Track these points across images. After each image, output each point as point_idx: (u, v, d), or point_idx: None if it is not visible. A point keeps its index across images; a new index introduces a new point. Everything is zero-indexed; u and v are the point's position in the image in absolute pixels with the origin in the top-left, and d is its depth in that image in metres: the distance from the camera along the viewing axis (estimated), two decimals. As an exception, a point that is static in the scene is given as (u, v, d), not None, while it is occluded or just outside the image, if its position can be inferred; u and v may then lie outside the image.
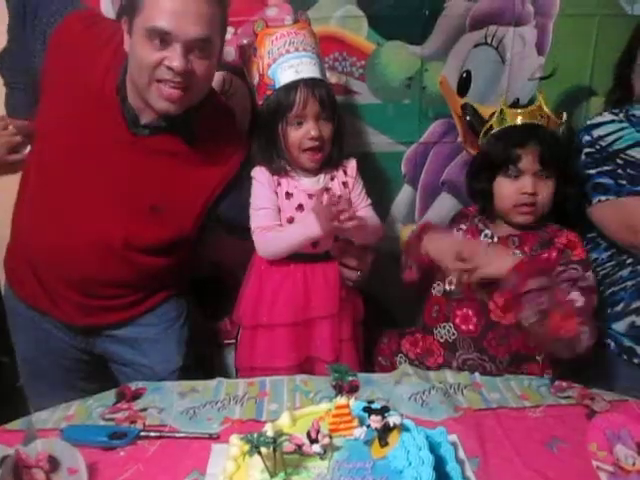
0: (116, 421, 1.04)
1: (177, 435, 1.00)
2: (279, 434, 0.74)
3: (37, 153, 1.26)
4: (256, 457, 0.74)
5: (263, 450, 0.71)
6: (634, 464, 0.80)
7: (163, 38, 1.06)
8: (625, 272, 1.34)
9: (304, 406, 1.05)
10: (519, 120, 1.28)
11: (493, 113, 1.32)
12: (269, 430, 0.77)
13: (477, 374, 1.20)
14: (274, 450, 0.72)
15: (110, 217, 1.20)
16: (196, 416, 1.07)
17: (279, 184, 1.30)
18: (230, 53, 1.40)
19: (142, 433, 0.99)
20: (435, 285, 1.33)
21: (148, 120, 1.18)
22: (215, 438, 0.99)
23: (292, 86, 1.21)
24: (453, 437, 0.94)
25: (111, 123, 1.17)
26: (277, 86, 1.23)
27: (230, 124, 1.32)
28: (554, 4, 1.48)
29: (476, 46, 1.51)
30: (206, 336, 1.58)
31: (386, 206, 1.60)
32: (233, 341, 1.47)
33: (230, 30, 1.38)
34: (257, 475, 0.73)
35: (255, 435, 0.72)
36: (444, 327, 1.30)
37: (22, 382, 1.43)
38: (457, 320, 1.28)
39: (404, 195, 1.59)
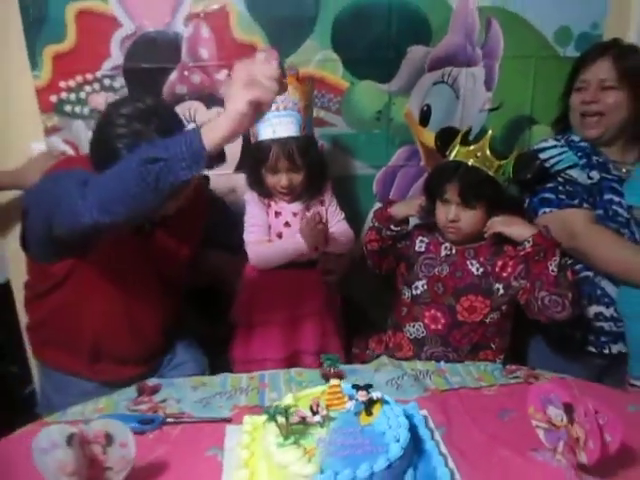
0: (140, 411, 1.16)
1: (195, 419, 1.14)
2: (288, 407, 0.94)
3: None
4: (272, 426, 0.93)
5: (278, 418, 0.91)
6: (562, 420, 0.98)
7: None
8: None
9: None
10: (452, 156, 1.43)
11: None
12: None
13: (442, 362, 1.37)
14: (286, 418, 0.91)
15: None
16: (209, 405, 1.20)
17: (269, 205, 1.50)
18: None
19: (167, 419, 1.13)
20: (405, 290, 1.50)
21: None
22: (228, 420, 1.14)
23: (268, 144, 1.39)
24: (423, 411, 1.11)
25: None
26: (259, 138, 1.40)
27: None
28: (499, 48, 1.70)
29: (435, 84, 1.71)
30: (207, 340, 1.70)
31: (360, 221, 1.78)
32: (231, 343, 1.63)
33: (224, 72, 1.59)
34: (273, 439, 0.92)
35: (272, 407, 0.92)
36: (413, 326, 1.47)
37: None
38: (426, 320, 1.45)
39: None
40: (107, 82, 1.56)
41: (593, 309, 1.51)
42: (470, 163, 1.37)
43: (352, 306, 1.75)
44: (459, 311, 1.42)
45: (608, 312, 1.50)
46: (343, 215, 1.58)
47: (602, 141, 1.52)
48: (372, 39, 1.63)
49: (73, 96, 1.56)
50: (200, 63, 1.58)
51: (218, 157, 1.05)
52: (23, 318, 1.62)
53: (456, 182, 1.38)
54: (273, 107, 1.36)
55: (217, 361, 1.72)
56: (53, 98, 1.56)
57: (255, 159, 1.44)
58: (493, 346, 1.46)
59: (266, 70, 0.97)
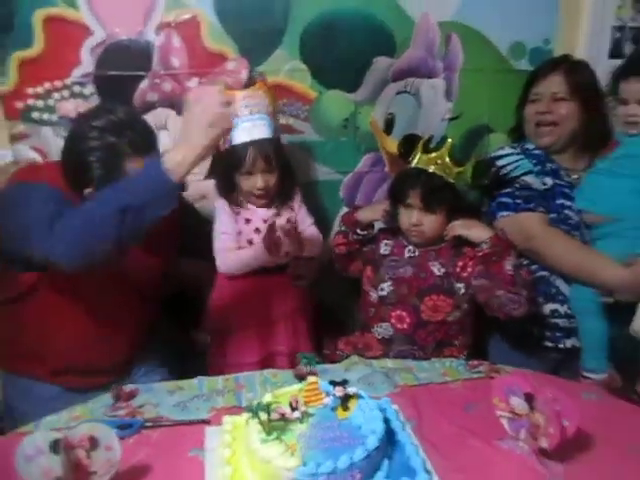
0: (118, 417, 1.16)
1: (174, 422, 1.15)
2: (269, 404, 0.98)
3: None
4: (254, 423, 0.97)
5: (260, 415, 0.95)
6: (524, 409, 1.04)
7: None
8: None
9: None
10: (414, 163, 1.48)
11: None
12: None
13: (410, 360, 1.44)
14: (268, 414, 0.96)
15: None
16: (187, 408, 1.21)
17: (239, 213, 1.53)
18: None
19: (146, 423, 1.14)
20: (372, 291, 1.55)
21: None
22: (207, 422, 1.15)
23: (244, 146, 1.42)
24: (395, 406, 1.15)
25: None
26: (232, 143, 1.43)
27: None
28: (458, 61, 1.80)
29: (398, 94, 1.79)
30: (181, 345, 1.72)
31: (328, 225, 1.85)
32: (205, 348, 1.65)
33: (195, 80, 1.61)
34: (256, 436, 0.95)
35: (254, 404, 0.96)
36: (381, 326, 1.52)
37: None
38: (392, 320, 1.51)
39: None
40: (77, 89, 1.56)
41: (549, 306, 1.60)
42: (431, 170, 1.44)
43: (322, 309, 1.79)
44: (423, 310, 1.49)
45: (562, 309, 1.60)
46: (312, 220, 1.63)
47: (554, 149, 1.62)
48: (339, 50, 1.69)
49: (41, 103, 1.56)
50: (171, 71, 1.61)
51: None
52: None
53: (418, 188, 1.44)
54: (246, 111, 1.42)
55: (193, 367, 1.74)
56: (19, 105, 1.55)
57: (229, 164, 1.47)
58: (457, 343, 1.53)
59: (217, 99, 1.04)
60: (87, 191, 1.20)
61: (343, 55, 1.70)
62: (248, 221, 1.53)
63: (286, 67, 1.67)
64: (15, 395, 1.44)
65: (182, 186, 1.10)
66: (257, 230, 1.53)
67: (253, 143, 1.43)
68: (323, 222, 1.82)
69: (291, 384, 1.25)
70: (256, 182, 1.47)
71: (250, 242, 1.53)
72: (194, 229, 1.63)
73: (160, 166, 1.04)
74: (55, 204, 1.15)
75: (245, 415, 1.01)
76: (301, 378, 1.26)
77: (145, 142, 1.22)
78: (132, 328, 1.49)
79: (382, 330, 1.53)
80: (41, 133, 1.58)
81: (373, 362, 1.43)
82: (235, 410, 1.19)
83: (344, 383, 1.05)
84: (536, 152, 1.62)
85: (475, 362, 1.41)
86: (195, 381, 1.35)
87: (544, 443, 1.02)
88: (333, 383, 1.05)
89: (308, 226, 1.61)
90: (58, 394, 1.40)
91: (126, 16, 1.55)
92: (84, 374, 1.42)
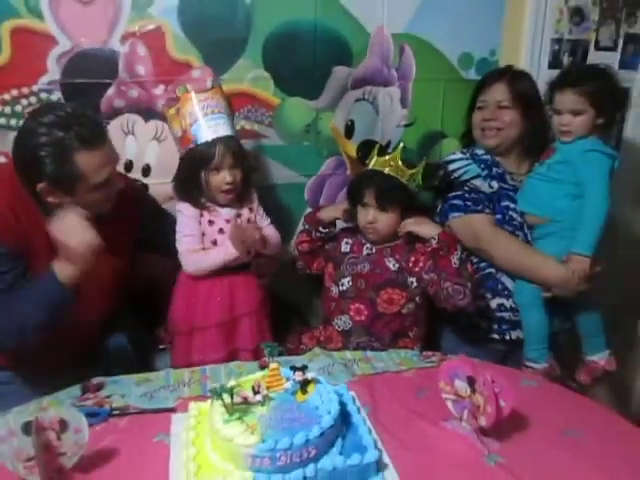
0: (86, 407, 1.20)
1: (141, 410, 1.22)
2: (233, 387, 1.05)
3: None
4: (217, 406, 1.04)
5: (224, 397, 1.02)
6: (466, 392, 1.13)
7: None
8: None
9: (239, 384, 1.33)
10: (371, 166, 1.57)
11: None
12: (224, 388, 1.08)
13: (368, 351, 1.52)
14: (231, 397, 1.03)
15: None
16: (154, 398, 1.27)
17: (202, 215, 1.57)
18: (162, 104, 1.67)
19: (113, 412, 1.20)
20: (332, 287, 1.64)
21: None
22: (173, 410, 1.22)
23: (211, 143, 1.48)
24: (352, 393, 1.23)
25: None
26: (199, 142, 1.48)
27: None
28: (412, 71, 1.90)
29: (357, 101, 1.88)
30: (146, 342, 1.76)
31: (294, 225, 1.91)
32: (168, 346, 1.69)
33: (161, 87, 1.68)
34: (219, 417, 1.02)
35: (217, 387, 1.03)
36: (340, 319, 1.61)
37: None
38: (351, 312, 1.59)
39: None
40: (44, 96, 1.60)
41: (496, 301, 1.71)
42: (385, 171, 1.53)
43: (281, 306, 1.86)
44: (379, 303, 1.58)
45: (508, 303, 1.70)
46: (269, 220, 1.69)
47: (499, 151, 1.72)
48: (300, 60, 1.77)
49: (8, 109, 1.59)
50: (137, 79, 1.66)
51: None
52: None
53: (373, 188, 1.53)
54: (208, 111, 1.49)
55: (156, 365, 1.74)
56: (-14, 111, 1.58)
57: (196, 163, 1.51)
58: (411, 335, 1.62)
59: (78, 224, 1.27)
60: (40, 186, 1.25)
61: (304, 64, 1.77)
62: (211, 222, 1.58)
63: (249, 75, 1.74)
64: None
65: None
66: (221, 230, 1.58)
67: (220, 139, 1.49)
68: (288, 223, 1.90)
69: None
70: (225, 177, 1.51)
71: (214, 242, 1.58)
72: (161, 227, 1.66)
73: (55, 279, 1.26)
74: None
75: (209, 398, 1.07)
76: (265, 369, 1.34)
77: (93, 135, 1.26)
78: (96, 325, 1.53)
79: (342, 322, 1.62)
80: (7, 138, 1.59)
81: (334, 354, 1.51)
82: (200, 399, 1.23)
83: (303, 368, 1.12)
84: (484, 157, 1.72)
85: (429, 353, 1.52)
86: (162, 373, 1.41)
87: (483, 422, 1.11)
88: (293, 368, 1.12)
89: (266, 225, 1.67)
90: (12, 377, 1.46)
91: (91, 26, 1.59)
92: (44, 369, 1.43)
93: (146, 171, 1.74)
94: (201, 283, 1.58)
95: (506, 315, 1.71)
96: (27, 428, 0.97)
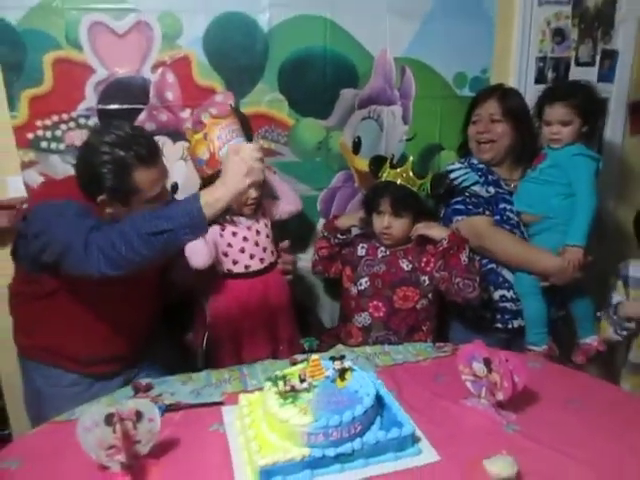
0: None
1: (192, 405, 1.33)
2: (284, 375, 1.19)
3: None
4: (270, 393, 1.18)
5: (279, 383, 1.17)
6: (483, 372, 1.29)
7: None
8: None
9: (274, 380, 1.45)
10: (384, 177, 1.72)
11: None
12: (276, 376, 1.22)
13: (386, 345, 1.67)
14: (284, 383, 1.17)
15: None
16: (200, 394, 1.39)
17: (224, 228, 1.68)
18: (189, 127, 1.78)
19: (169, 407, 1.31)
20: (352, 287, 1.79)
21: None
22: (221, 403, 1.35)
23: None
24: (378, 381, 1.36)
25: None
26: None
27: None
28: (412, 90, 2.05)
29: (363, 119, 2.02)
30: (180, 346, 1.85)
31: (308, 234, 2.05)
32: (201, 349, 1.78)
33: (187, 111, 1.82)
34: (274, 402, 1.16)
35: (273, 376, 1.18)
36: (360, 315, 1.76)
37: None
38: (370, 310, 1.74)
39: (320, 225, 2.04)
40: (82, 121, 1.72)
41: (498, 293, 1.87)
42: (398, 182, 1.69)
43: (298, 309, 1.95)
44: (395, 300, 1.73)
45: (509, 294, 1.87)
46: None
47: (494, 162, 1.89)
48: (312, 83, 1.91)
49: (49, 133, 1.71)
50: (166, 104, 1.79)
51: None
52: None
53: (388, 197, 1.69)
54: (233, 135, 1.62)
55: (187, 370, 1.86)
56: (30, 135, 1.70)
57: None
58: (424, 328, 1.78)
59: (254, 155, 1.24)
60: (100, 198, 1.36)
61: (315, 87, 1.92)
62: (235, 234, 1.70)
63: (266, 98, 1.88)
64: (40, 380, 1.58)
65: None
66: (245, 239, 1.70)
67: None
68: (303, 232, 2.04)
69: (288, 370, 1.48)
70: (252, 192, 1.63)
71: (242, 251, 1.69)
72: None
73: (197, 201, 1.22)
74: (88, 217, 1.32)
75: (266, 385, 1.21)
76: (295, 365, 1.48)
77: (149, 154, 1.37)
78: (139, 325, 1.64)
79: (362, 319, 1.77)
80: (49, 160, 1.73)
81: (355, 349, 1.65)
82: (244, 392, 1.35)
83: (341, 358, 1.27)
84: (480, 166, 1.88)
85: (441, 344, 1.67)
86: (203, 373, 1.53)
87: (500, 396, 1.27)
88: (333, 358, 1.27)
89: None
90: (77, 380, 1.57)
91: (125, 56, 1.73)
92: (99, 363, 1.57)
93: (174, 189, 1.86)
94: (237, 286, 1.69)
95: (508, 305, 1.87)
96: (109, 419, 1.09)
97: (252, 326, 1.71)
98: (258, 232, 1.73)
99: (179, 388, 1.44)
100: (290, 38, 1.86)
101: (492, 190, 1.87)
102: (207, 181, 1.66)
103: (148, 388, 1.44)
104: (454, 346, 1.63)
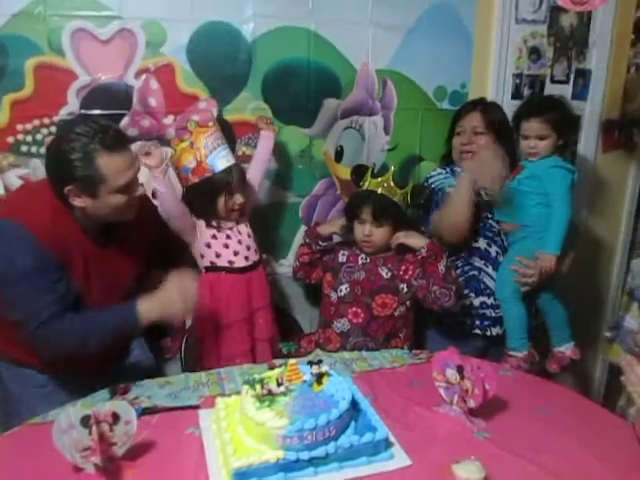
0: None
1: (169, 408, 1.35)
2: (262, 378, 1.21)
3: None
4: (247, 397, 1.19)
5: (256, 387, 1.18)
6: (456, 379, 1.32)
7: None
8: (458, 271, 1.87)
9: (252, 384, 1.47)
10: (366, 186, 1.75)
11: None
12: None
13: (364, 351, 1.69)
14: (261, 387, 1.19)
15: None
16: (178, 397, 1.41)
17: (219, 230, 1.75)
18: (171, 133, 1.83)
19: (145, 411, 1.32)
20: (332, 293, 1.81)
21: None
22: (198, 407, 1.36)
23: (227, 171, 1.67)
24: (354, 385, 1.40)
25: None
26: (216, 170, 1.66)
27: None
28: (393, 102, 2.09)
29: (345, 129, 2.06)
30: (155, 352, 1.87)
31: (289, 241, 2.08)
32: (175, 355, 1.85)
33: (171, 117, 1.84)
34: (251, 405, 1.17)
35: (250, 379, 1.20)
36: (339, 321, 1.79)
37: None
38: (349, 316, 1.77)
39: (301, 233, 2.04)
40: (64, 125, 1.73)
41: (479, 299, 1.91)
42: (379, 191, 1.73)
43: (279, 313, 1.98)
44: (374, 307, 1.76)
45: (489, 301, 1.91)
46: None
47: None
48: (295, 92, 1.95)
49: (30, 137, 1.72)
50: (149, 110, 1.81)
51: None
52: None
53: (369, 206, 1.72)
54: (218, 142, 1.67)
55: (165, 372, 1.89)
56: (10, 139, 1.71)
57: (215, 189, 1.68)
58: (401, 335, 1.81)
59: (192, 287, 1.48)
60: (68, 188, 1.37)
61: (298, 97, 1.96)
62: (229, 237, 1.76)
63: (250, 106, 1.90)
64: (11, 381, 1.58)
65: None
66: (228, 236, 1.77)
67: (233, 167, 1.68)
68: (285, 239, 2.07)
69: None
70: (238, 198, 1.70)
71: (236, 254, 1.75)
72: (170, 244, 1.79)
73: (136, 319, 1.44)
74: (41, 275, 1.38)
75: (243, 388, 1.23)
76: (274, 369, 1.50)
77: (114, 141, 1.38)
78: None
79: (340, 325, 1.79)
80: (29, 164, 1.73)
81: (333, 354, 1.68)
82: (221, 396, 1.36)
83: (319, 362, 1.29)
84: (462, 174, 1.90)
85: (417, 351, 1.71)
86: (182, 376, 1.55)
87: (472, 403, 1.30)
88: (310, 363, 1.29)
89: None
90: (48, 380, 1.56)
91: (108, 63, 1.74)
92: (75, 367, 1.53)
93: (155, 194, 1.87)
94: (222, 283, 1.74)
95: (488, 312, 1.91)
96: (85, 421, 1.10)
97: (232, 322, 1.73)
98: (240, 232, 1.79)
99: (156, 391, 1.45)
100: (274, 48, 1.89)
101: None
102: (191, 189, 1.72)
103: (125, 391, 1.45)
104: (429, 353, 1.65)
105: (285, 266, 2.05)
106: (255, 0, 1.83)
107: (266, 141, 1.83)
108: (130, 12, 1.72)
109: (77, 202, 1.40)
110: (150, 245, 1.68)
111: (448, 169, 1.94)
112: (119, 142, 1.40)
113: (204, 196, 1.70)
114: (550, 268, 1.75)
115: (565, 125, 1.79)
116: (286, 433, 1.12)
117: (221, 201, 1.70)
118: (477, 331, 1.93)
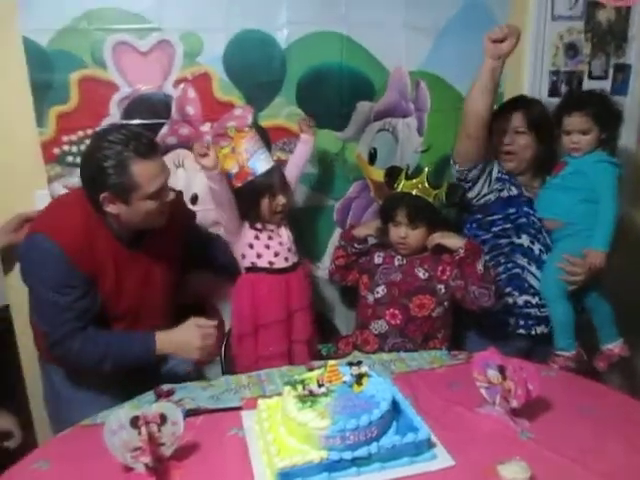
0: None
1: (212, 409, 1.38)
2: (303, 379, 1.23)
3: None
4: (289, 398, 1.21)
5: (298, 387, 1.20)
6: (497, 379, 1.31)
7: None
8: (501, 268, 1.88)
9: (291, 385, 1.48)
10: (400, 188, 1.75)
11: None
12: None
13: (402, 352, 1.71)
14: (303, 387, 1.21)
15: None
16: (220, 399, 1.44)
17: (257, 237, 1.78)
18: (208, 140, 1.86)
19: (189, 412, 1.34)
20: (368, 295, 1.82)
21: None
22: (239, 408, 1.38)
23: (269, 173, 1.70)
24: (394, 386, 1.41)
25: None
26: (257, 173, 1.69)
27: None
28: (427, 103, 2.09)
29: (379, 131, 2.06)
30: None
31: (324, 243, 2.09)
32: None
33: (208, 125, 1.88)
34: (293, 406, 1.19)
35: (292, 379, 1.22)
36: (377, 323, 1.79)
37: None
38: (387, 317, 1.77)
39: (336, 236, 2.07)
40: (107, 136, 1.79)
41: (523, 298, 1.88)
42: (414, 193, 1.73)
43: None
44: (412, 308, 1.76)
45: (534, 300, 1.88)
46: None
47: (516, 172, 1.91)
48: (328, 97, 1.96)
49: (75, 148, 1.78)
50: (187, 118, 1.85)
51: None
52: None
53: (404, 208, 1.72)
54: (256, 147, 1.70)
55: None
56: (56, 150, 1.77)
57: (258, 191, 1.71)
58: (439, 336, 1.80)
59: (211, 332, 1.54)
60: (102, 195, 1.41)
61: (332, 101, 1.97)
62: (270, 238, 1.79)
63: (285, 112, 1.93)
64: (60, 383, 1.64)
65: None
66: (270, 237, 1.80)
67: (274, 168, 1.72)
68: (319, 241, 2.08)
69: (304, 376, 1.51)
70: (280, 200, 1.73)
71: (267, 247, 1.78)
72: (208, 249, 1.87)
73: (152, 350, 1.50)
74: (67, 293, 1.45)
75: (285, 389, 1.25)
76: (312, 371, 1.51)
77: (147, 148, 1.42)
78: (162, 323, 1.64)
79: (378, 326, 1.80)
80: (74, 174, 1.78)
81: (371, 356, 1.69)
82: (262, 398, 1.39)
83: (359, 363, 1.30)
84: (504, 173, 1.91)
85: (456, 352, 1.71)
86: (222, 379, 1.58)
87: (514, 403, 1.30)
88: (350, 364, 1.30)
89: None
90: (99, 383, 1.61)
91: (148, 74, 1.79)
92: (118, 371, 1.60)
93: (194, 200, 1.93)
94: (262, 284, 1.77)
95: (532, 311, 1.89)
96: (134, 422, 1.14)
97: (271, 323, 1.76)
98: (280, 234, 1.81)
99: (199, 393, 1.49)
100: (307, 54, 1.91)
101: (515, 191, 1.90)
102: (235, 194, 1.75)
103: (170, 393, 1.48)
104: (468, 354, 1.65)
105: (320, 269, 2.07)
106: (289, 7, 1.86)
107: (305, 145, 1.85)
108: (169, 24, 1.77)
109: (111, 209, 1.44)
110: (182, 251, 1.71)
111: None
112: (151, 149, 1.44)
113: (248, 199, 1.73)
114: (599, 265, 1.73)
115: (607, 118, 1.77)
116: (328, 433, 1.14)
117: (265, 203, 1.73)
118: (521, 331, 1.91)
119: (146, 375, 1.59)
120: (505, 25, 1.71)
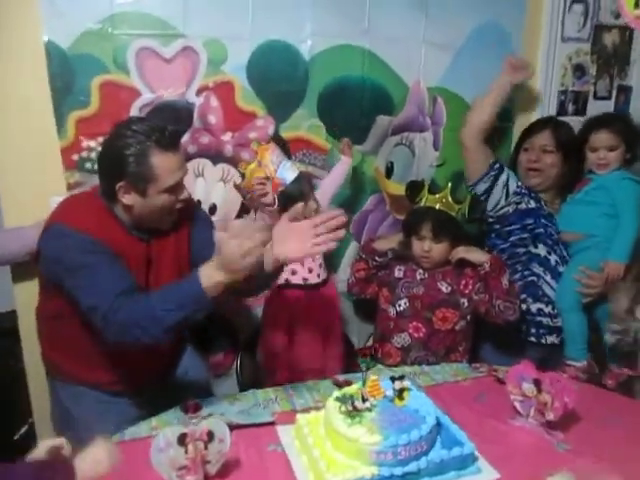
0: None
1: (245, 424, 1.34)
2: (352, 395, 1.22)
3: None
4: (335, 413, 1.20)
5: (348, 403, 1.19)
6: (532, 392, 1.34)
7: None
8: (517, 276, 1.92)
9: (321, 399, 1.46)
10: (423, 202, 1.77)
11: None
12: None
13: (424, 365, 1.71)
14: (352, 403, 1.20)
15: None
16: (250, 414, 1.40)
17: None
18: (229, 150, 1.86)
19: None
20: (390, 308, 1.82)
21: None
22: (272, 423, 1.36)
23: (297, 181, 1.71)
24: None
25: None
26: (287, 182, 1.70)
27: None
28: (443, 118, 2.12)
29: (396, 145, 2.09)
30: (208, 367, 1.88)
31: (340, 256, 2.09)
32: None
33: (229, 134, 1.86)
34: (341, 421, 1.18)
35: (340, 396, 1.20)
36: (400, 336, 1.80)
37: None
38: (410, 330, 1.78)
39: (352, 248, 2.10)
40: (127, 142, 1.75)
41: (536, 305, 1.93)
42: (437, 207, 1.75)
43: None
44: (435, 321, 1.78)
45: (547, 309, 1.92)
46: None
47: (539, 188, 1.96)
48: (349, 109, 1.98)
49: (94, 154, 1.73)
50: (208, 127, 1.83)
51: None
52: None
53: (429, 222, 1.74)
54: (282, 156, 1.72)
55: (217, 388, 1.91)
56: (75, 157, 1.72)
57: (292, 200, 1.68)
58: (460, 349, 1.83)
59: (251, 234, 1.27)
60: (119, 185, 1.38)
61: (352, 114, 1.98)
62: None
63: (306, 124, 1.94)
64: (69, 400, 1.57)
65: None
66: (313, 259, 1.81)
67: (300, 176, 1.73)
68: (335, 254, 2.06)
69: (331, 390, 1.45)
70: (312, 205, 1.74)
71: (302, 264, 1.80)
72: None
73: (199, 285, 1.27)
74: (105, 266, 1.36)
75: (334, 403, 1.23)
76: (338, 385, 1.50)
77: (169, 140, 1.39)
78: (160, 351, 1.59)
79: (401, 339, 1.81)
80: (94, 181, 1.71)
81: (394, 369, 1.69)
82: (292, 413, 1.37)
83: (401, 378, 1.30)
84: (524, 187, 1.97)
85: (477, 364, 1.72)
86: (249, 393, 1.55)
87: (551, 416, 1.32)
88: (393, 378, 1.30)
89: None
90: (107, 399, 1.55)
91: (171, 80, 1.77)
92: (131, 378, 1.56)
93: (212, 210, 1.90)
94: (297, 301, 1.76)
95: (544, 320, 1.93)
96: (182, 439, 1.10)
97: (305, 338, 1.76)
98: None
99: (228, 408, 1.45)
100: (330, 66, 1.92)
101: (533, 204, 1.94)
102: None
103: (197, 408, 1.44)
104: (489, 367, 1.67)
105: (336, 282, 2.06)
106: (313, 19, 1.86)
107: (344, 165, 1.87)
108: (193, 31, 1.75)
109: (126, 199, 1.41)
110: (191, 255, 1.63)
111: None
112: (173, 143, 1.42)
113: (283, 210, 1.72)
114: (618, 276, 1.78)
115: (632, 137, 1.84)
116: (380, 449, 1.13)
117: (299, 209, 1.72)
118: (532, 339, 1.95)
119: (155, 389, 1.57)
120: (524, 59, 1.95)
